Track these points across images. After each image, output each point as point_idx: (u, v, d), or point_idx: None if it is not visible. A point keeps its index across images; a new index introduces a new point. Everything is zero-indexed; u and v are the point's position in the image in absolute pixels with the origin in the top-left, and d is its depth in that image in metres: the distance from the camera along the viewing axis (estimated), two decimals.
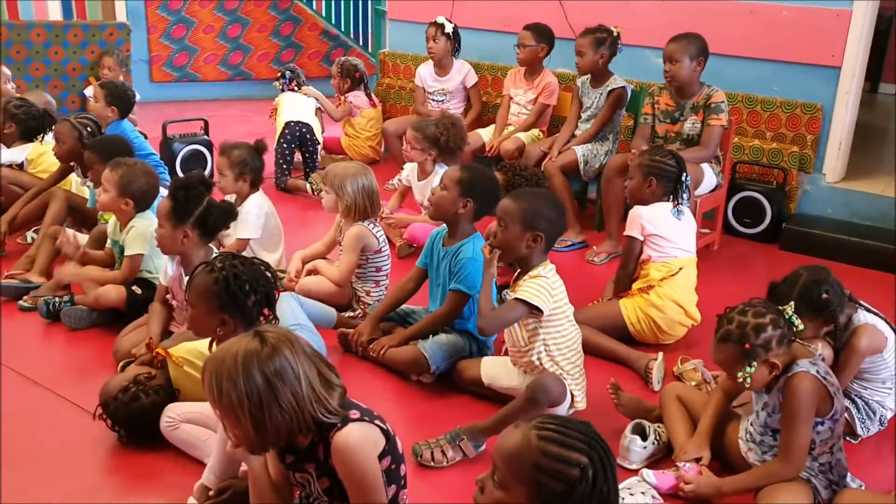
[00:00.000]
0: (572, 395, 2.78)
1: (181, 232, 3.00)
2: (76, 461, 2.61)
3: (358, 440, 1.90)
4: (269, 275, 2.50)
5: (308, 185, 5.31)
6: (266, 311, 2.45)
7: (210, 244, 3.10)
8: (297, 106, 5.66)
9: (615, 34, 4.68)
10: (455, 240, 3.21)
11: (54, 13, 6.44)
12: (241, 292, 2.39)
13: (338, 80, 5.96)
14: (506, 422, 2.55)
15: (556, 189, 4.48)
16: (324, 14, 8.59)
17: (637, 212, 3.52)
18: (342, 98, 5.94)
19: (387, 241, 3.76)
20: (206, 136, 5.42)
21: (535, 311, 2.71)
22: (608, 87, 4.73)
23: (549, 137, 5.09)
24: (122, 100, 4.55)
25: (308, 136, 5.53)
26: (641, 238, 3.49)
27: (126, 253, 3.46)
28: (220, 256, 2.53)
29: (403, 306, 3.44)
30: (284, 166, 5.47)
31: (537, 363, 2.80)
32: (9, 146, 4.59)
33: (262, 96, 8.16)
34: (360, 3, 8.67)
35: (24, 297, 3.60)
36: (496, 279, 2.85)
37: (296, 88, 5.81)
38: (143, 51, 7.51)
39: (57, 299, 3.49)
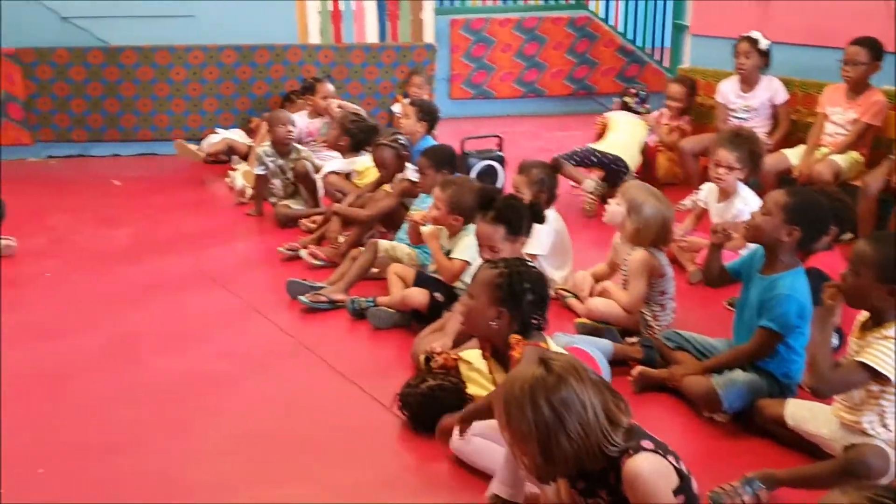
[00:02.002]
0: None
1: (519, 242, 3.23)
2: (370, 453, 2.78)
3: (650, 469, 1.85)
4: (545, 281, 2.65)
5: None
6: (536, 317, 2.56)
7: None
8: (628, 129, 5.56)
9: None
10: (774, 270, 2.91)
11: (371, 36, 7.01)
12: (520, 289, 2.55)
13: (684, 102, 5.72)
14: (809, 481, 2.36)
15: None
16: (620, 30, 8.52)
17: None
18: (671, 123, 5.72)
19: (670, 263, 3.60)
20: (499, 153, 5.59)
21: (881, 377, 2.40)
22: None
23: (880, 168, 4.52)
24: (430, 116, 4.87)
25: (617, 163, 5.39)
26: None
27: (454, 255, 3.65)
28: (504, 259, 2.72)
29: (702, 340, 3.22)
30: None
31: (867, 428, 2.48)
32: (343, 156, 5.13)
33: (553, 113, 8.29)
34: (660, 18, 8.49)
35: (306, 295, 3.87)
36: None
37: (640, 110, 5.71)
38: (445, 69, 7.93)
39: (362, 300, 3.76)
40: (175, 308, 3.96)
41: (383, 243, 4.06)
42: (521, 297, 2.55)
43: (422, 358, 3.09)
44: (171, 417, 3.01)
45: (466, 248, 3.57)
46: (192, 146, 6.24)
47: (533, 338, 2.55)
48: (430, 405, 2.80)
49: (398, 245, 4.10)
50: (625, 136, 5.52)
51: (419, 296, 3.63)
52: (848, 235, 3.61)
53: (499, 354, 2.64)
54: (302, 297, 3.87)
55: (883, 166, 4.47)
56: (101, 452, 2.78)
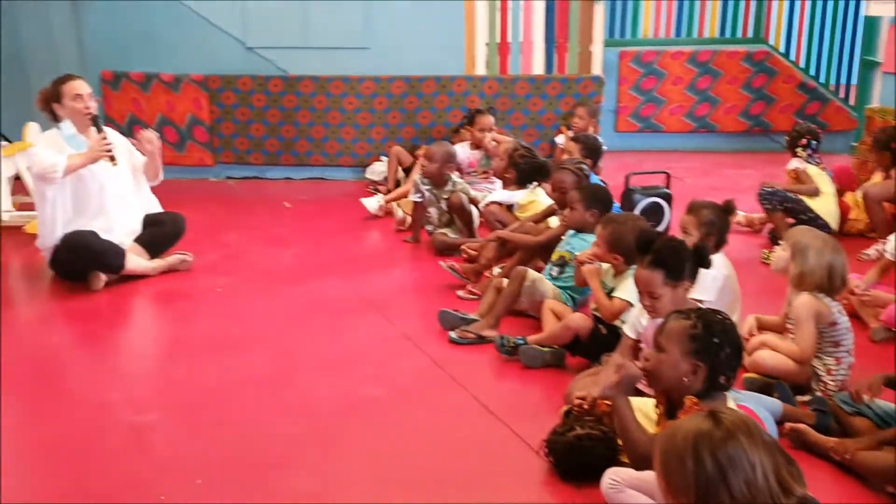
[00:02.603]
0: None
1: (682, 288, 2.98)
2: (515, 496, 2.70)
3: None
4: (738, 333, 2.43)
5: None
6: (727, 375, 2.37)
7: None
8: (830, 191, 5.21)
9: None
10: None
11: (538, 68, 7.00)
12: (717, 341, 2.36)
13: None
14: None
15: None
16: (802, 65, 8.08)
17: None
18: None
19: (844, 312, 3.31)
20: (666, 190, 5.39)
21: None
22: None
23: None
24: (594, 152, 4.78)
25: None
26: None
27: (616, 294, 3.56)
28: (692, 308, 2.52)
29: (885, 406, 2.94)
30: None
31: None
32: (505, 187, 5.13)
33: (725, 149, 7.95)
34: (846, 54, 7.98)
35: (455, 331, 3.85)
36: None
37: (812, 163, 5.33)
38: (612, 101, 7.80)
39: (513, 338, 3.69)
40: (332, 329, 4.06)
41: (531, 273, 4.00)
42: (719, 351, 2.36)
43: (563, 410, 2.99)
44: (323, 438, 3.06)
45: (629, 288, 3.42)
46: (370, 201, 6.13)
47: (714, 399, 2.36)
48: (578, 454, 2.69)
49: (544, 279, 4.04)
50: (831, 199, 5.17)
51: (582, 321, 3.54)
52: None
53: (673, 412, 2.48)
54: (451, 334, 3.86)
55: None
56: (257, 467, 2.86)
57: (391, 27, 6.78)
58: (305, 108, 6.97)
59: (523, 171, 5.06)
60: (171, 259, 4.85)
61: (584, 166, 4.58)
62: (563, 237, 4.18)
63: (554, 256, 4.16)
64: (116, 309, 4.40)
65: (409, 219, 5.58)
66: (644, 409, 2.74)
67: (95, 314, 4.30)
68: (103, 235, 4.57)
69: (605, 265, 3.66)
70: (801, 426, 2.93)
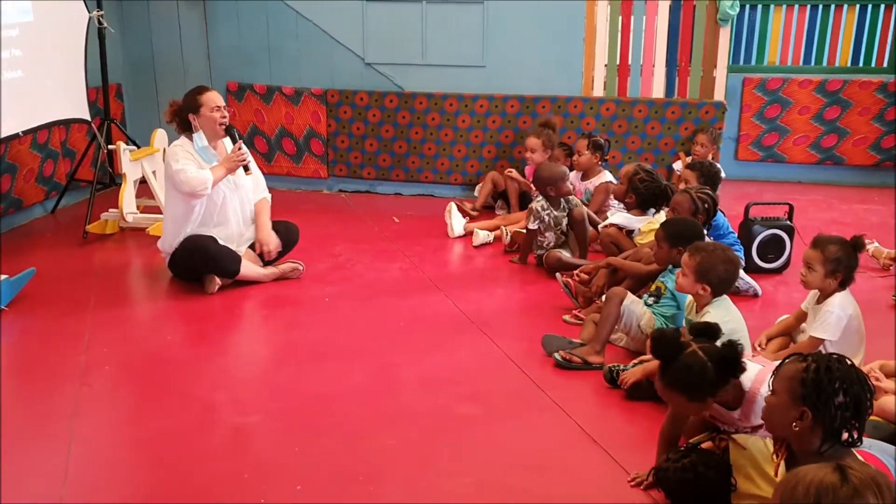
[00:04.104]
0: None
1: (708, 404, 2.71)
2: None
3: None
4: (865, 382, 2.24)
5: None
6: (853, 423, 2.20)
7: None
8: None
9: None
10: None
11: (658, 91, 6.84)
12: (830, 388, 2.20)
13: None
14: None
15: None
16: None
17: None
18: None
19: None
20: (788, 222, 5.14)
21: None
22: None
23: None
24: (712, 179, 4.63)
25: None
26: None
27: None
28: (816, 353, 2.38)
29: None
30: None
31: None
32: (627, 211, 5.03)
33: (852, 183, 7.55)
34: None
35: (560, 352, 3.76)
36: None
37: None
38: (733, 128, 7.54)
39: (620, 366, 3.58)
40: (433, 345, 4.05)
41: (630, 296, 3.88)
42: (831, 398, 2.20)
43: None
44: (420, 453, 3.05)
45: (717, 319, 3.27)
46: (457, 217, 6.01)
47: (837, 454, 2.19)
48: (692, 483, 2.57)
49: (639, 301, 3.92)
50: None
51: None
52: None
53: (793, 461, 2.32)
54: (556, 355, 3.78)
55: None
56: (353, 478, 2.87)
57: (508, 46, 6.77)
58: (418, 125, 7.04)
59: (643, 195, 4.94)
60: (283, 267, 4.97)
61: (710, 194, 4.42)
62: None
63: (652, 287, 4.05)
64: (229, 312, 4.53)
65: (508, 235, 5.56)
66: (749, 445, 2.61)
67: (208, 316, 4.44)
68: (221, 241, 4.73)
69: (689, 298, 3.53)
70: None
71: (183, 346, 4.16)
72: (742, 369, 2.66)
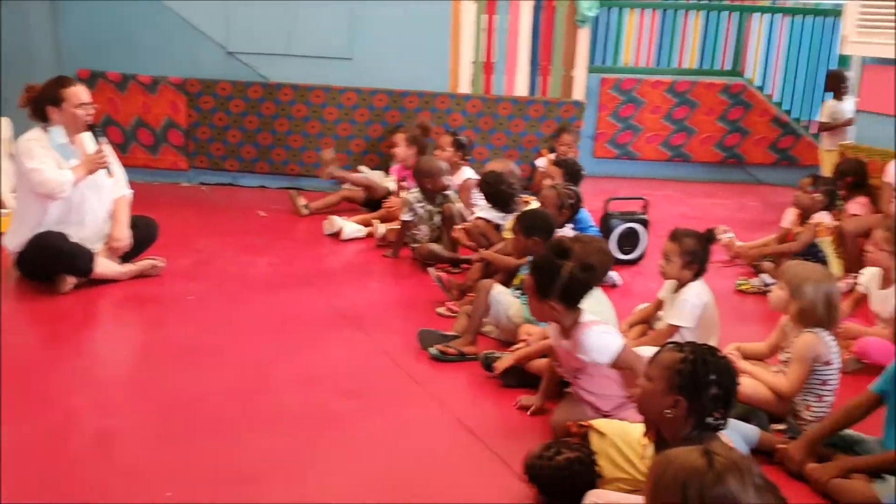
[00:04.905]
0: None
1: (548, 305, 3.03)
2: None
3: None
4: (735, 373, 2.36)
5: None
6: (720, 412, 2.30)
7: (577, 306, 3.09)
8: None
9: None
10: None
11: (521, 89, 7.03)
12: (705, 379, 2.29)
13: None
14: None
15: None
16: (777, 100, 8.21)
17: None
18: None
19: (839, 352, 3.34)
20: (644, 216, 5.42)
21: None
22: None
23: None
24: (574, 176, 4.79)
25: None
26: None
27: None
28: (692, 343, 2.46)
29: (849, 431, 3.01)
30: None
31: None
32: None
33: (699, 179, 8.05)
34: (819, 91, 8.15)
35: (436, 346, 3.80)
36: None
37: None
38: (591, 127, 7.86)
39: (497, 353, 3.67)
40: (307, 341, 3.99)
41: (497, 286, 3.97)
42: (705, 389, 2.29)
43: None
44: (296, 452, 2.99)
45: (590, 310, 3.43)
46: (302, 202, 6.28)
47: (705, 440, 2.26)
48: (567, 480, 2.65)
49: (507, 292, 4.02)
50: None
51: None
52: None
53: (664, 445, 2.45)
54: (431, 349, 3.82)
55: None
56: (228, 480, 2.78)
57: (376, 39, 6.76)
58: (284, 117, 6.92)
59: (491, 197, 5.04)
60: (142, 264, 4.74)
61: (575, 190, 4.58)
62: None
63: (516, 281, 4.17)
64: (84, 312, 4.29)
65: (380, 230, 5.55)
66: (607, 430, 2.74)
67: (62, 316, 4.18)
68: (74, 238, 4.45)
69: None
70: (791, 449, 2.97)
71: (36, 348, 3.90)
72: (575, 300, 3.02)
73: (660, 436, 2.44)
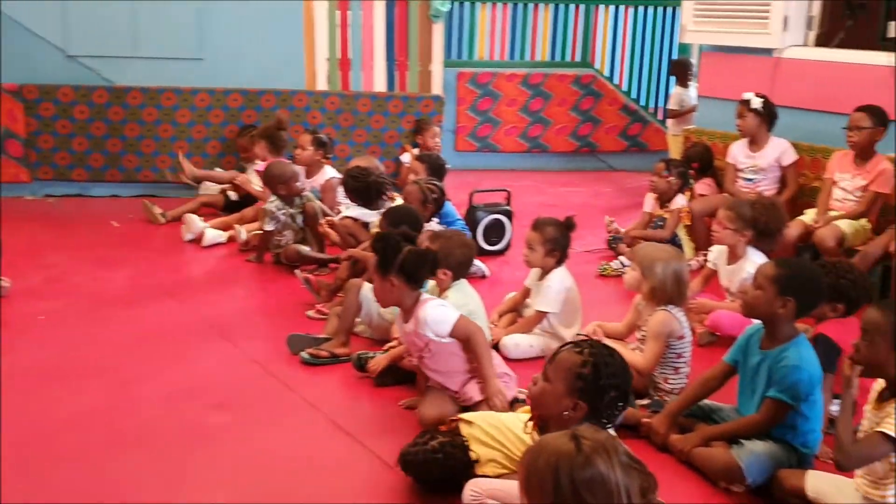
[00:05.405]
0: None
1: (389, 282, 3.12)
2: None
3: None
4: (630, 373, 2.44)
5: None
6: (611, 415, 2.37)
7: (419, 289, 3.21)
8: None
9: None
10: (775, 342, 2.91)
11: (379, 85, 7.02)
12: (605, 383, 2.33)
13: None
14: None
15: None
16: (625, 89, 8.58)
17: None
18: None
19: (689, 327, 3.54)
20: (507, 207, 5.54)
21: None
22: None
23: (884, 235, 4.49)
24: (437, 171, 4.83)
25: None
26: None
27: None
28: (590, 342, 2.49)
29: (707, 401, 3.20)
30: None
31: (891, 501, 2.42)
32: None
33: (557, 168, 8.30)
34: (664, 79, 8.57)
35: (307, 350, 3.76)
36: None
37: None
38: (451, 121, 7.95)
39: (369, 354, 3.66)
40: (173, 356, 3.85)
41: (367, 285, 3.94)
42: (604, 393, 2.32)
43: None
44: (171, 470, 2.89)
45: (453, 304, 3.47)
46: (157, 210, 6.02)
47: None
48: (438, 464, 2.68)
49: None
50: None
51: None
52: None
53: (546, 430, 2.50)
54: (303, 354, 3.76)
55: (886, 234, 4.46)
56: None
57: (227, 38, 6.56)
58: (133, 121, 6.61)
59: (356, 193, 4.96)
60: None
61: (438, 185, 4.61)
62: None
63: None
64: None
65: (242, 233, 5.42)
66: (473, 418, 2.80)
67: None
68: None
69: (430, 283, 3.67)
70: (654, 423, 3.11)
71: None
72: (427, 263, 3.16)
73: (544, 425, 2.47)
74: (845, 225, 4.65)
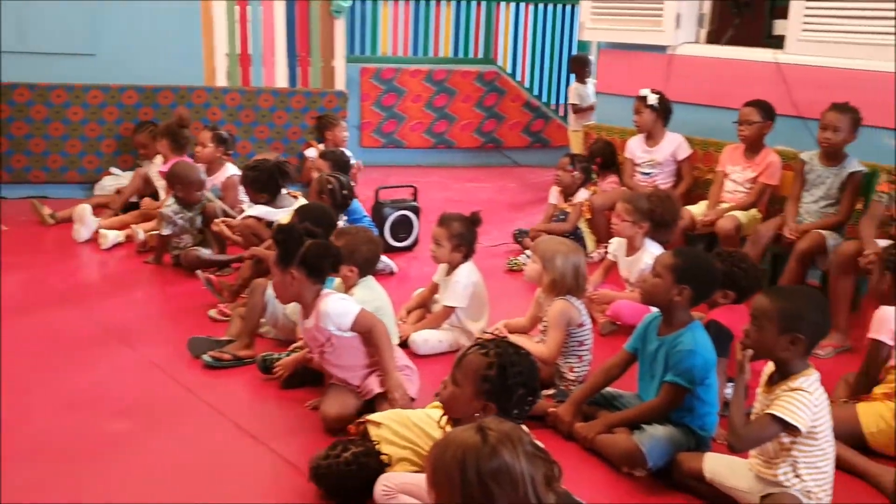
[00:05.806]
0: None
1: (290, 276, 3.09)
2: None
3: None
4: (537, 369, 2.46)
5: None
6: (520, 411, 2.39)
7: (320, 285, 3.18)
8: None
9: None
10: (671, 329, 3.02)
11: (281, 81, 6.91)
12: (512, 382, 2.35)
13: None
14: None
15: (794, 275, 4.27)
16: (527, 85, 8.71)
17: (888, 313, 3.18)
18: None
19: (588, 315, 3.63)
20: (414, 203, 5.55)
21: (791, 428, 2.47)
22: (847, 170, 4.43)
23: (772, 220, 4.74)
24: (342, 167, 4.79)
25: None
26: (892, 343, 3.15)
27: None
28: (496, 342, 2.50)
29: (609, 389, 3.29)
30: None
31: (783, 479, 2.55)
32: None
33: (463, 164, 8.36)
34: (565, 76, 8.74)
35: (209, 353, 3.69)
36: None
37: None
38: (356, 117, 7.91)
39: (273, 355, 3.60)
40: (69, 362, 3.69)
41: (271, 285, 3.90)
42: (512, 392, 2.35)
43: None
44: (70, 481, 2.77)
45: (360, 301, 3.47)
46: (46, 211, 5.75)
47: None
48: (354, 473, 2.64)
49: None
50: None
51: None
52: None
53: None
54: (205, 357, 3.68)
55: (775, 218, 4.69)
56: None
57: (121, 33, 6.33)
58: (21, 119, 6.31)
59: (255, 185, 4.82)
60: None
61: (343, 181, 4.57)
62: None
63: None
64: None
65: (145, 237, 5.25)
66: (379, 418, 2.80)
67: None
68: None
69: (336, 281, 3.66)
70: (559, 412, 3.19)
71: None
72: (328, 257, 3.14)
73: (456, 421, 2.47)
74: (741, 215, 4.86)
